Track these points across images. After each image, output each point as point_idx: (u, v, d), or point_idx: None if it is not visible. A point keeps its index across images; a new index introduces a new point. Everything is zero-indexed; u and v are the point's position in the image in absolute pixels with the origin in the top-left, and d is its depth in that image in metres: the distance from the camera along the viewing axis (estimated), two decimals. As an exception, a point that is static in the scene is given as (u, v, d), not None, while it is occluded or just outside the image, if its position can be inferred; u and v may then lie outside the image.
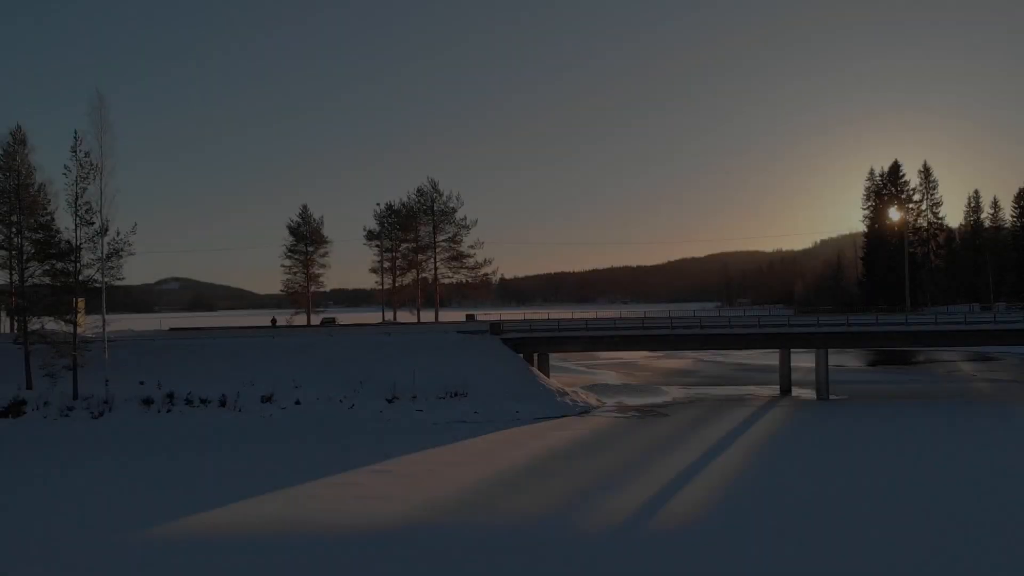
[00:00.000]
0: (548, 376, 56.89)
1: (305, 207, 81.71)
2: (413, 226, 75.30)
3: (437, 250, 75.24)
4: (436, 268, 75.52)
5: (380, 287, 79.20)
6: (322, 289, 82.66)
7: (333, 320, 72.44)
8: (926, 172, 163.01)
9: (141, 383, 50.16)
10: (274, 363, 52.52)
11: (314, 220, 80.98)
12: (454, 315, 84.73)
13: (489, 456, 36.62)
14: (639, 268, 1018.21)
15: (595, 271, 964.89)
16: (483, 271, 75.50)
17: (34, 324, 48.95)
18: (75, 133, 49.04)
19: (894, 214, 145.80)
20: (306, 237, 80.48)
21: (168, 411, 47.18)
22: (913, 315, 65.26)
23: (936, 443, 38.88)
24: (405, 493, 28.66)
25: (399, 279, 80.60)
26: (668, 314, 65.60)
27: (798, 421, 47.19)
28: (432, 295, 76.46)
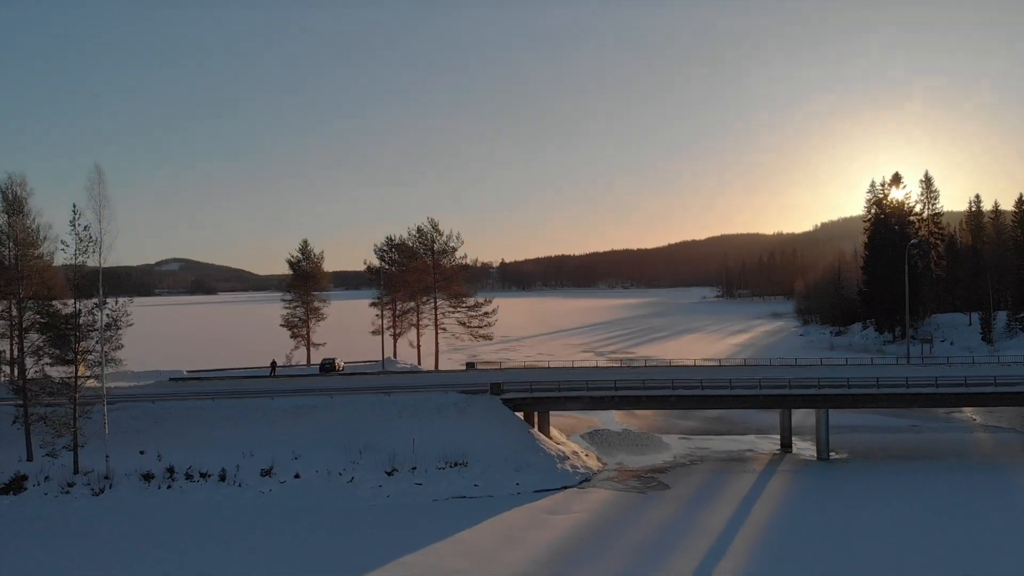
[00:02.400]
0: (549, 435, 56.94)
1: (305, 243, 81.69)
2: (414, 267, 75.25)
3: (436, 291, 75.23)
4: (436, 310, 75.39)
5: (380, 317, 78.96)
6: (320, 328, 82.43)
7: (333, 362, 72.39)
8: (927, 182, 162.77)
9: (141, 452, 50.25)
10: (273, 429, 52.53)
11: (314, 256, 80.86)
12: (454, 352, 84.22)
13: (488, 560, 36.61)
14: (640, 252, 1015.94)
15: (596, 254, 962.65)
16: (483, 309, 75.27)
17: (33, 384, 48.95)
18: (73, 207, 48.89)
19: (893, 225, 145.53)
20: (307, 273, 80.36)
21: (168, 487, 47.20)
22: (914, 367, 65.20)
23: (933, 536, 38.75)
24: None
25: (400, 307, 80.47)
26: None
27: (800, 499, 46.93)
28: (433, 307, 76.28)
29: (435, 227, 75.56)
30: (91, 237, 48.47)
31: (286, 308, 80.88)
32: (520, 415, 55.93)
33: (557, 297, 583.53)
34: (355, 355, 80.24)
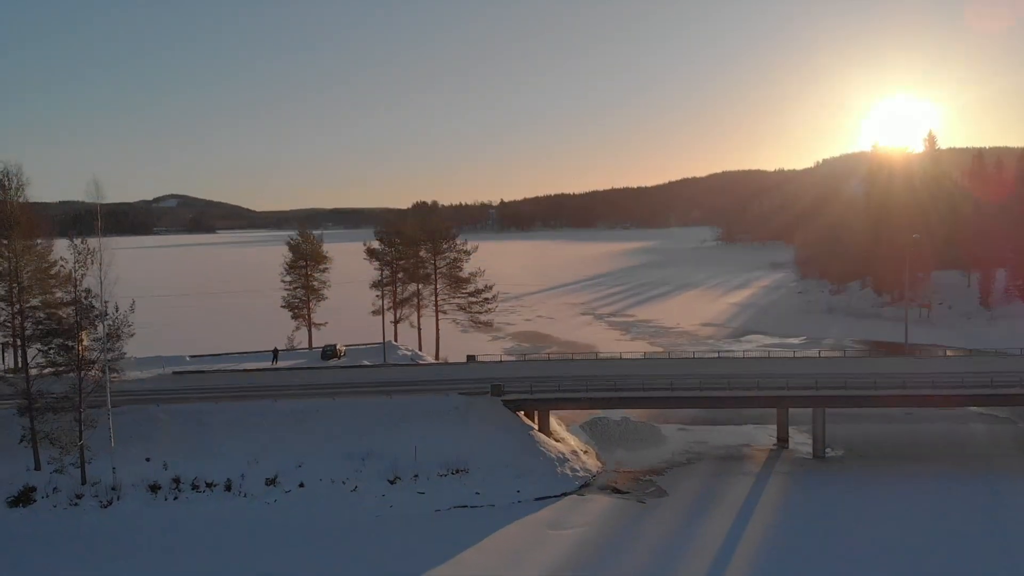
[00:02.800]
0: (549, 432, 57.67)
1: (305, 230, 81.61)
2: (414, 252, 75.11)
3: (437, 275, 75.28)
4: (437, 296, 75.53)
5: (381, 300, 78.94)
6: (321, 292, 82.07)
7: (334, 348, 72.67)
8: (931, 141, 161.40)
9: (147, 460, 50.93)
10: (277, 434, 53.11)
11: (314, 239, 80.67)
12: (457, 341, 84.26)
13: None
14: (640, 189, 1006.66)
15: (596, 193, 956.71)
16: (483, 295, 75.43)
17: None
18: (72, 236, 48.79)
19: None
20: (306, 254, 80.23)
21: (175, 498, 48.01)
22: (912, 360, 65.65)
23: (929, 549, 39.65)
24: None
25: (400, 291, 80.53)
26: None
27: (798, 509, 47.61)
28: (435, 292, 76.29)
29: (434, 208, 75.62)
30: (90, 249, 48.37)
31: (286, 289, 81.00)
32: (521, 413, 56.59)
33: (557, 240, 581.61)
34: (356, 336, 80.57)
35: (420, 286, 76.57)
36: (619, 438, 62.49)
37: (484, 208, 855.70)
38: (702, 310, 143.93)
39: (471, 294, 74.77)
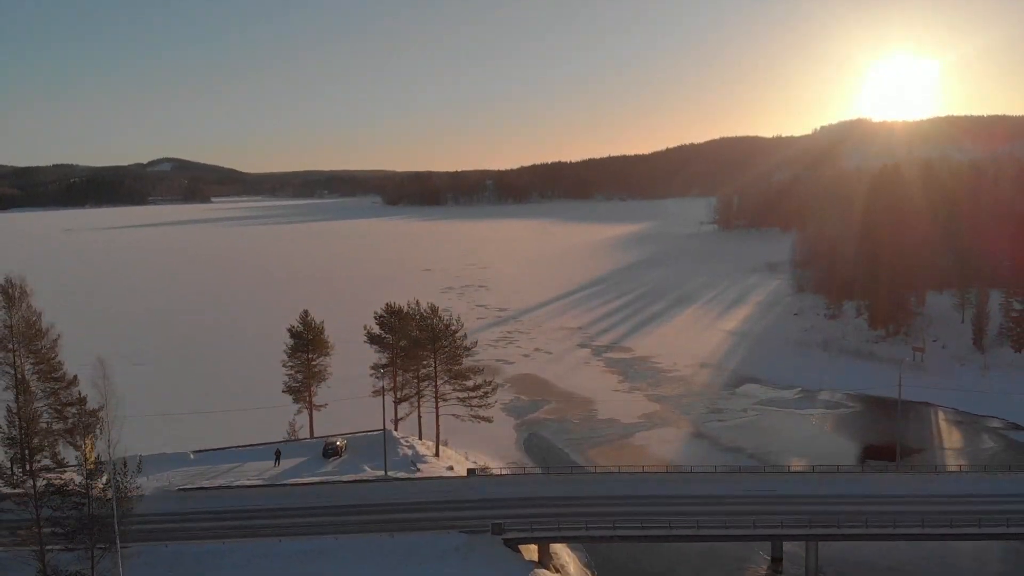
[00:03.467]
0: (549, 560, 59.35)
1: (306, 312, 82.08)
2: (415, 354, 76.02)
3: (438, 373, 76.12)
4: (438, 398, 76.52)
5: (382, 388, 79.57)
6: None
7: (335, 447, 73.70)
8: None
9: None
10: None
11: (315, 324, 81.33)
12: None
13: None
14: (637, 157, 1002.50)
15: (592, 161, 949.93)
16: (483, 390, 76.43)
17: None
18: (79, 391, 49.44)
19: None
20: (308, 342, 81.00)
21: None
22: (901, 476, 67.07)
23: None
24: None
25: (400, 381, 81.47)
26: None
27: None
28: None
29: (434, 311, 76.00)
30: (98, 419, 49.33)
31: (287, 374, 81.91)
32: (520, 558, 58.03)
33: (552, 218, 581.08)
34: (356, 417, 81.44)
35: (420, 384, 77.54)
36: (617, 554, 64.25)
37: (482, 177, 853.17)
38: (699, 343, 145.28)
39: (471, 389, 75.71)
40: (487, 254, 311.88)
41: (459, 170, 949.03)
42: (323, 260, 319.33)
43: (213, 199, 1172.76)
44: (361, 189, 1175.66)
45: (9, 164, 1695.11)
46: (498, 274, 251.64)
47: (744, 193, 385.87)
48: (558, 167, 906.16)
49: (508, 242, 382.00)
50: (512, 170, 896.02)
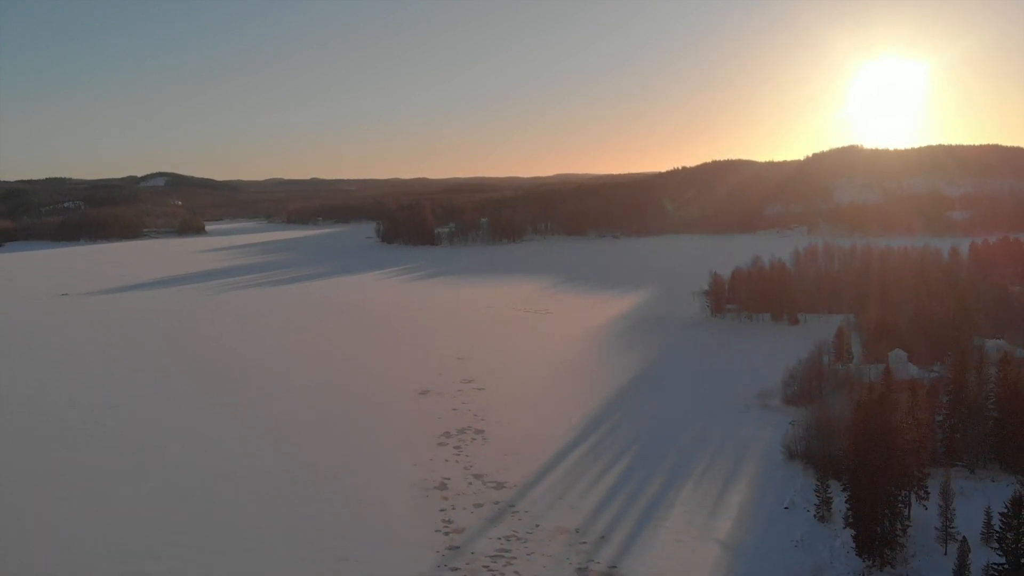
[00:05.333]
0: None
1: None
2: None
3: None
4: None
5: None
6: None
7: None
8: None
9: None
10: None
11: None
12: None
13: None
14: (632, 183, 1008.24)
15: (584, 189, 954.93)
16: None
17: None
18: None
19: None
20: None
21: None
22: None
23: None
24: None
25: None
26: None
27: None
28: None
29: None
30: None
31: None
32: None
33: (551, 276, 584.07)
34: None
35: None
36: None
37: (477, 213, 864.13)
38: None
39: None
40: (483, 357, 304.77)
41: (453, 201, 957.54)
42: (296, 368, 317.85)
43: (208, 227, 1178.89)
44: (356, 215, 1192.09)
45: (1, 179, 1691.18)
46: (495, 401, 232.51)
47: (735, 277, 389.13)
48: (552, 198, 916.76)
49: (503, 327, 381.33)
50: (507, 202, 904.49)
